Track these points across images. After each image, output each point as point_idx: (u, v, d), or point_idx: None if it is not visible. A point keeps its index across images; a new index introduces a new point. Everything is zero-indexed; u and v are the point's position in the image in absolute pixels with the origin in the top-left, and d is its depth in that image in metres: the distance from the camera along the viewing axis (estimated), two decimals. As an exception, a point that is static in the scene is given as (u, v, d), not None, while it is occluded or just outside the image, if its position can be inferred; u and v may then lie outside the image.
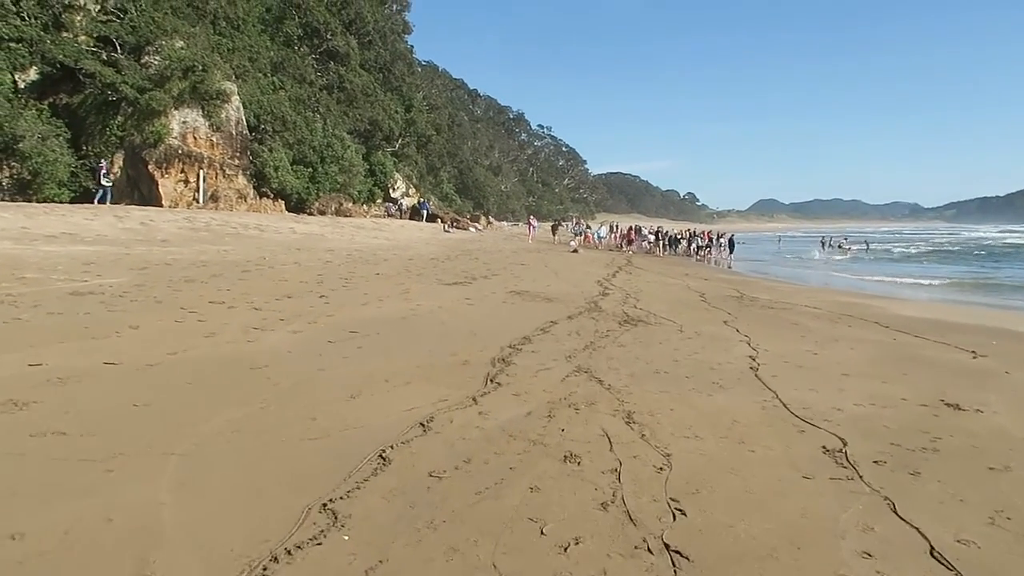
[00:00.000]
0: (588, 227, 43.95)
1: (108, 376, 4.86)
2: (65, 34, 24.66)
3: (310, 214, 30.57)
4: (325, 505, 3.00)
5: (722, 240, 33.39)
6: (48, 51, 23.51)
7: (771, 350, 7.14)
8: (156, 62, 25.10)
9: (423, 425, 4.16)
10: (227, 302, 8.29)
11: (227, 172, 27.15)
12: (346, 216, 32.57)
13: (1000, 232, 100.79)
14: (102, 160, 23.17)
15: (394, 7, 49.30)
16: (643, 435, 4.18)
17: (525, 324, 8.06)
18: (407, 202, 42.09)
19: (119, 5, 25.97)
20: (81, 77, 23.79)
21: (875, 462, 3.85)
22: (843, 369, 6.37)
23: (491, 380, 5.35)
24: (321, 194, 32.52)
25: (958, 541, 2.94)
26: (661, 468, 3.64)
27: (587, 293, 12.02)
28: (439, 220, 40.03)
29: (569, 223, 51.33)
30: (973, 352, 7.50)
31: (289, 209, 30.30)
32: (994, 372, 6.53)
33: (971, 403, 5.22)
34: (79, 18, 25.22)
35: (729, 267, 27.84)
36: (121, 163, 24.39)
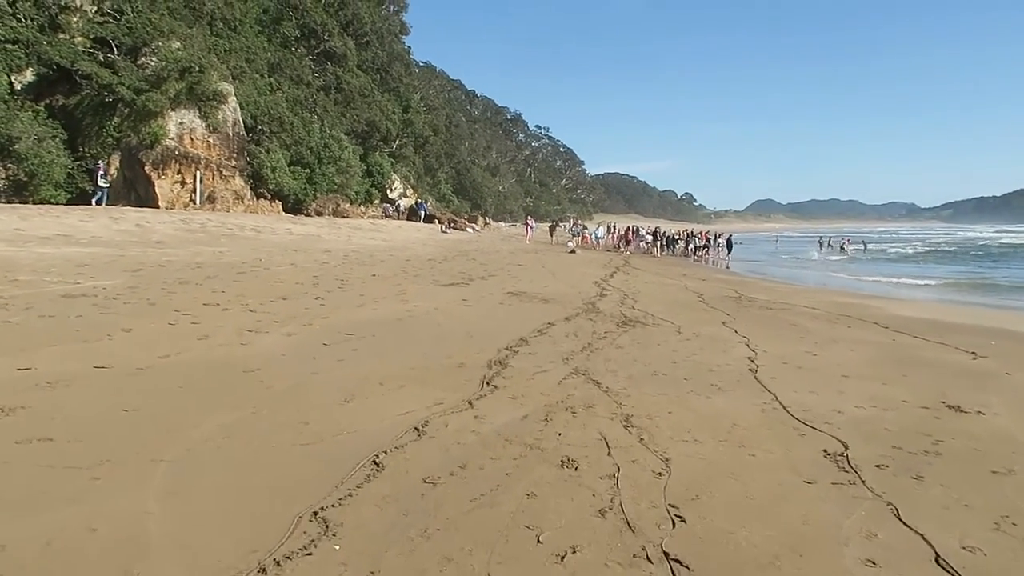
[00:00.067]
0: (585, 227, 43.95)
1: (98, 380, 4.79)
2: (61, 35, 24.59)
3: (307, 215, 30.47)
4: (316, 513, 2.93)
5: (720, 240, 33.38)
6: (44, 52, 23.43)
7: (770, 351, 7.09)
8: (153, 63, 25.03)
9: (418, 429, 4.10)
10: (221, 304, 8.22)
11: (224, 173, 27.07)
12: (343, 217, 32.45)
13: (996, 232, 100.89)
14: (99, 161, 23.11)
15: (391, 8, 49.34)
16: (641, 439, 4.11)
17: (522, 326, 8.00)
18: (404, 203, 41.99)
19: (116, 6, 25.87)
20: (77, 78, 23.72)
21: (877, 466, 3.79)
22: (843, 370, 6.31)
23: (487, 383, 5.29)
24: (318, 195, 32.41)
25: (963, 548, 2.88)
26: (660, 473, 3.58)
27: (584, 294, 11.96)
28: (436, 221, 39.95)
29: (567, 224, 51.32)
30: (973, 353, 7.45)
31: (286, 210, 30.20)
32: (994, 373, 6.48)
33: (972, 405, 5.17)
34: (75, 19, 25.13)
35: (727, 267, 27.82)
36: (118, 164, 24.34)
